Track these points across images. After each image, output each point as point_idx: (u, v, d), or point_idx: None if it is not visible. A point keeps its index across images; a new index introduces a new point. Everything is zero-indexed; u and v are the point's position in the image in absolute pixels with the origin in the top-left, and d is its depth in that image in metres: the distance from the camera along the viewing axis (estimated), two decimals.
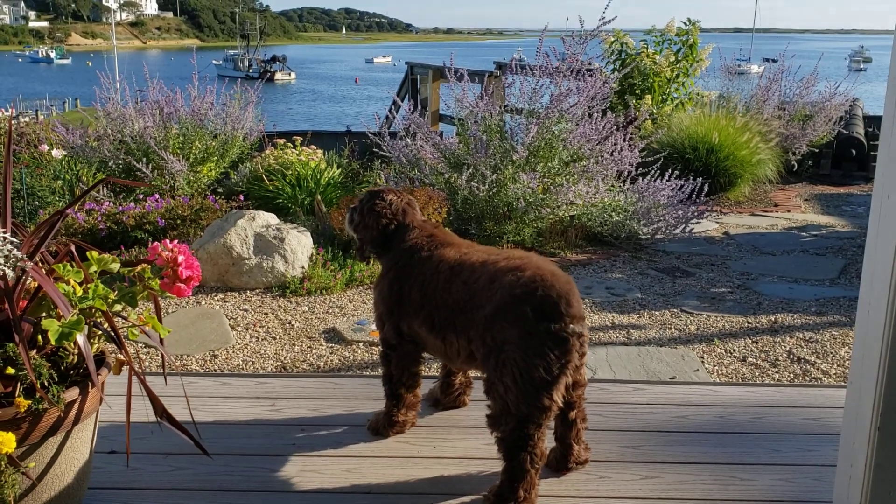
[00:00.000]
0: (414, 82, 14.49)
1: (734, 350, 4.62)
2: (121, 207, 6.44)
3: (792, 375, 4.29)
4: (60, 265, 2.21)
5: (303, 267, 5.71)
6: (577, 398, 2.56)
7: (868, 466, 2.17)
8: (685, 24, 10.72)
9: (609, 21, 7.20)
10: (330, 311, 5.20)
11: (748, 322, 5.09)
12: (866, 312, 2.18)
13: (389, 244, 2.88)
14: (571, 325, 2.34)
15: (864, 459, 2.18)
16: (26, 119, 12.44)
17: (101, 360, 2.32)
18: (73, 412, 2.14)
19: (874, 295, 2.14)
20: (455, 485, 2.61)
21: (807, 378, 4.27)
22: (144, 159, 7.78)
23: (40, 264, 2.26)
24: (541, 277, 2.38)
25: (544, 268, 2.44)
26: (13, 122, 9.78)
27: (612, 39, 10.68)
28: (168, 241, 2.30)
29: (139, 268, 2.28)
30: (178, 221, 6.44)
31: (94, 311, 2.18)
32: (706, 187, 7.19)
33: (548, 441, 2.54)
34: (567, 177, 6.86)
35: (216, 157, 8.37)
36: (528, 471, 2.38)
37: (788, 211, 8.75)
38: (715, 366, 4.40)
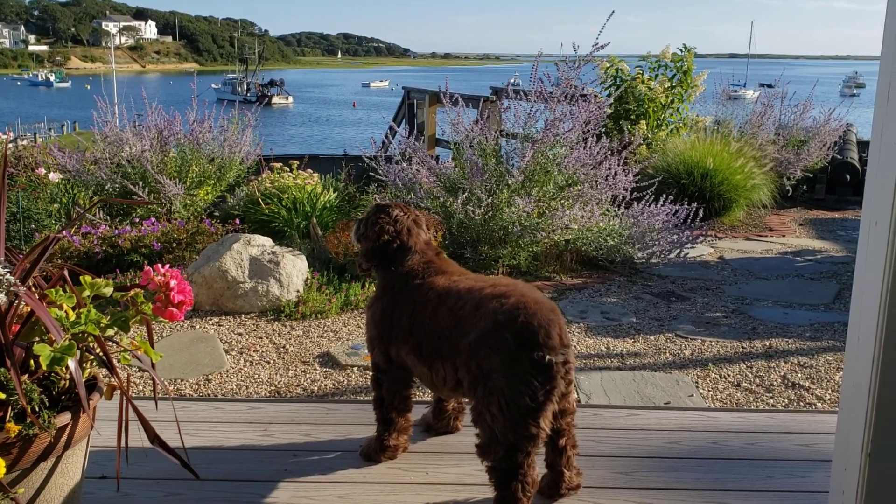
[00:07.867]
0: (411, 107, 14.56)
1: (729, 375, 4.62)
2: (117, 231, 6.45)
3: (786, 401, 4.29)
4: (53, 290, 2.21)
5: (298, 290, 5.71)
6: (567, 425, 2.55)
7: (859, 493, 2.17)
8: (680, 50, 10.83)
9: (602, 46, 7.25)
10: (324, 335, 5.20)
11: (743, 347, 5.09)
12: (856, 338, 2.19)
13: (389, 263, 2.85)
14: (554, 353, 2.34)
15: (856, 486, 2.18)
16: (24, 142, 12.49)
17: (92, 384, 2.31)
18: (63, 437, 2.14)
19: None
20: None
21: (801, 403, 4.26)
22: (141, 183, 7.80)
23: (33, 289, 2.26)
24: (524, 305, 2.38)
25: (528, 295, 2.44)
26: (10, 145, 9.81)
27: (608, 65, 10.77)
28: (161, 265, 2.31)
29: (132, 292, 2.29)
30: (174, 245, 6.45)
31: (86, 335, 2.19)
32: (701, 212, 7.21)
33: (540, 468, 2.53)
34: (562, 201, 6.89)
35: (213, 181, 8.40)
36: (520, 499, 2.37)
37: (783, 235, 8.78)
38: (710, 391, 4.40)
